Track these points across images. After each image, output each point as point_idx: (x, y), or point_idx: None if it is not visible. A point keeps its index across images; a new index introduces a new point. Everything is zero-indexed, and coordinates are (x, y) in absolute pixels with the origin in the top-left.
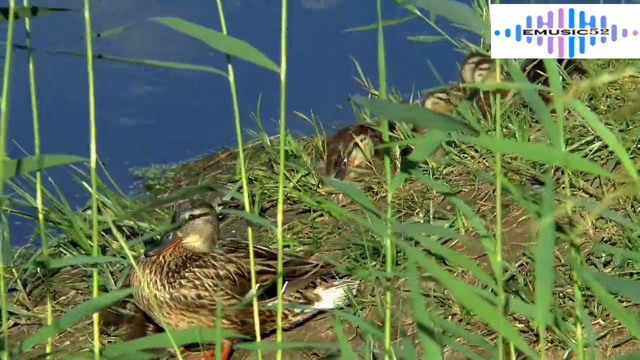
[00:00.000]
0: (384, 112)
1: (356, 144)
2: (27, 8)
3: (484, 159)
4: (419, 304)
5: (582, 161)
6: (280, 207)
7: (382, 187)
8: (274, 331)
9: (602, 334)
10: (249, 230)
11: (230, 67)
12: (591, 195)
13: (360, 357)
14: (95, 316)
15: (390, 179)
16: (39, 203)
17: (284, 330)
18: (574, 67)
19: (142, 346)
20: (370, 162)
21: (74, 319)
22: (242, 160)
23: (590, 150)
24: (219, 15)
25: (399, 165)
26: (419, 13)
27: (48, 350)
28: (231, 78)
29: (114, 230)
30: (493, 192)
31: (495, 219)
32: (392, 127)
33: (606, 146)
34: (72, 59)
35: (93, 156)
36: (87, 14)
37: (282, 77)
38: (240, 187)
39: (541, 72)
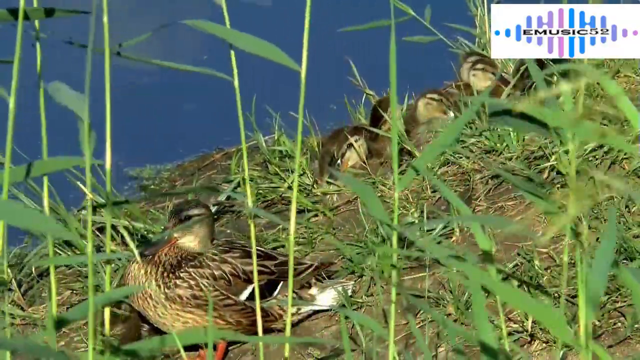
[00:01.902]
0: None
1: (350, 145)
2: (39, 9)
3: (479, 159)
4: (483, 320)
5: None
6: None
7: (377, 187)
8: (267, 331)
9: (598, 333)
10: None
11: (235, 71)
12: None
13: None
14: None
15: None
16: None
17: (279, 331)
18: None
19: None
20: (364, 163)
21: (83, 313)
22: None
23: (585, 151)
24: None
25: (391, 166)
26: (413, 13)
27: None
28: (236, 83)
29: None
30: (488, 193)
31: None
32: (377, 120)
33: (601, 146)
34: (59, 59)
35: (108, 159)
36: (105, 19)
37: (303, 75)
38: (236, 187)
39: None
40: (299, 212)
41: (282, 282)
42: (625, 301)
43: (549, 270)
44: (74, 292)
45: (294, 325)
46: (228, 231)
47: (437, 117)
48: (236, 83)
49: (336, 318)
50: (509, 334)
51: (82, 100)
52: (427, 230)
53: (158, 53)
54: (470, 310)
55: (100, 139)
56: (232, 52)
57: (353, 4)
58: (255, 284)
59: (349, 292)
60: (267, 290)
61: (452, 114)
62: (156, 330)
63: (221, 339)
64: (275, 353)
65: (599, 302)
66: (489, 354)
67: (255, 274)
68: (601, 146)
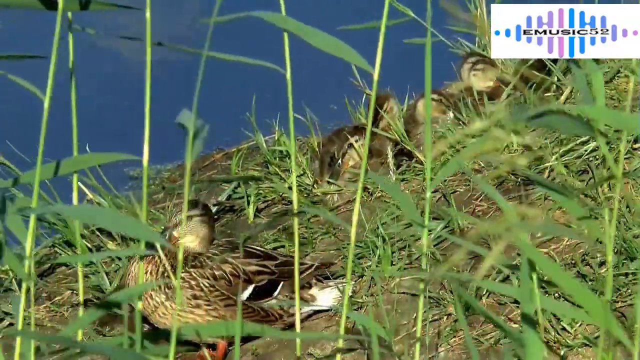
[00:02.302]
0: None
1: (351, 145)
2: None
3: (479, 159)
4: (527, 302)
5: None
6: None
7: (377, 187)
8: None
9: (597, 334)
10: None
11: (288, 64)
12: (586, 196)
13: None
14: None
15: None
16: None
17: None
18: (569, 67)
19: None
20: None
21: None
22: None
23: (586, 151)
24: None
25: (391, 167)
26: (413, 15)
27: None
28: (288, 75)
29: None
30: (487, 193)
31: (490, 219)
32: (374, 118)
33: None
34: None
35: (146, 154)
36: (148, 14)
37: (375, 77)
38: (236, 187)
39: (536, 73)
40: (299, 212)
41: (282, 282)
42: (625, 301)
43: None
44: (74, 292)
45: (293, 325)
46: (228, 231)
47: (437, 117)
48: (288, 75)
49: (337, 318)
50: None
51: (189, 114)
52: (427, 230)
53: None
54: (470, 311)
55: (121, 137)
56: (287, 48)
57: (353, 4)
58: (296, 283)
59: (350, 293)
60: (267, 290)
61: (451, 114)
62: (156, 330)
63: (221, 339)
64: (275, 353)
65: None
66: (529, 324)
67: (297, 274)
68: None
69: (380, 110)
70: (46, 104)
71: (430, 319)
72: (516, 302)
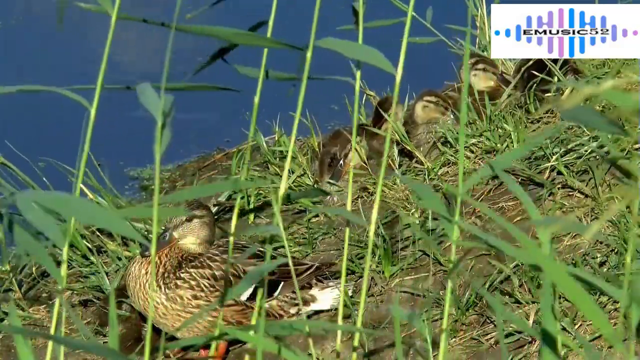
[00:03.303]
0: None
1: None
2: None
3: (479, 159)
4: (548, 313)
5: None
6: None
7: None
8: None
9: (597, 334)
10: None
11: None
12: (587, 196)
13: None
14: None
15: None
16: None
17: None
18: (569, 68)
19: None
20: (365, 163)
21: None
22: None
23: (586, 151)
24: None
25: (395, 166)
26: (414, 14)
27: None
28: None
29: None
30: (488, 193)
31: (491, 219)
32: (379, 120)
33: (602, 146)
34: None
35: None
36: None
37: (398, 79)
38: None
39: (536, 73)
40: (299, 212)
41: (282, 282)
42: (616, 301)
43: None
44: (75, 292)
45: None
46: (229, 232)
47: (436, 118)
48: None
49: (337, 318)
50: (510, 334)
51: (158, 101)
52: (427, 230)
53: (152, 55)
54: (470, 311)
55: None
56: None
57: (352, 4)
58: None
59: (350, 293)
60: (268, 290)
61: (451, 115)
62: (157, 331)
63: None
64: (274, 354)
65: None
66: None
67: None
68: (602, 146)
69: (384, 114)
70: (92, 113)
71: (430, 319)
72: (516, 302)
